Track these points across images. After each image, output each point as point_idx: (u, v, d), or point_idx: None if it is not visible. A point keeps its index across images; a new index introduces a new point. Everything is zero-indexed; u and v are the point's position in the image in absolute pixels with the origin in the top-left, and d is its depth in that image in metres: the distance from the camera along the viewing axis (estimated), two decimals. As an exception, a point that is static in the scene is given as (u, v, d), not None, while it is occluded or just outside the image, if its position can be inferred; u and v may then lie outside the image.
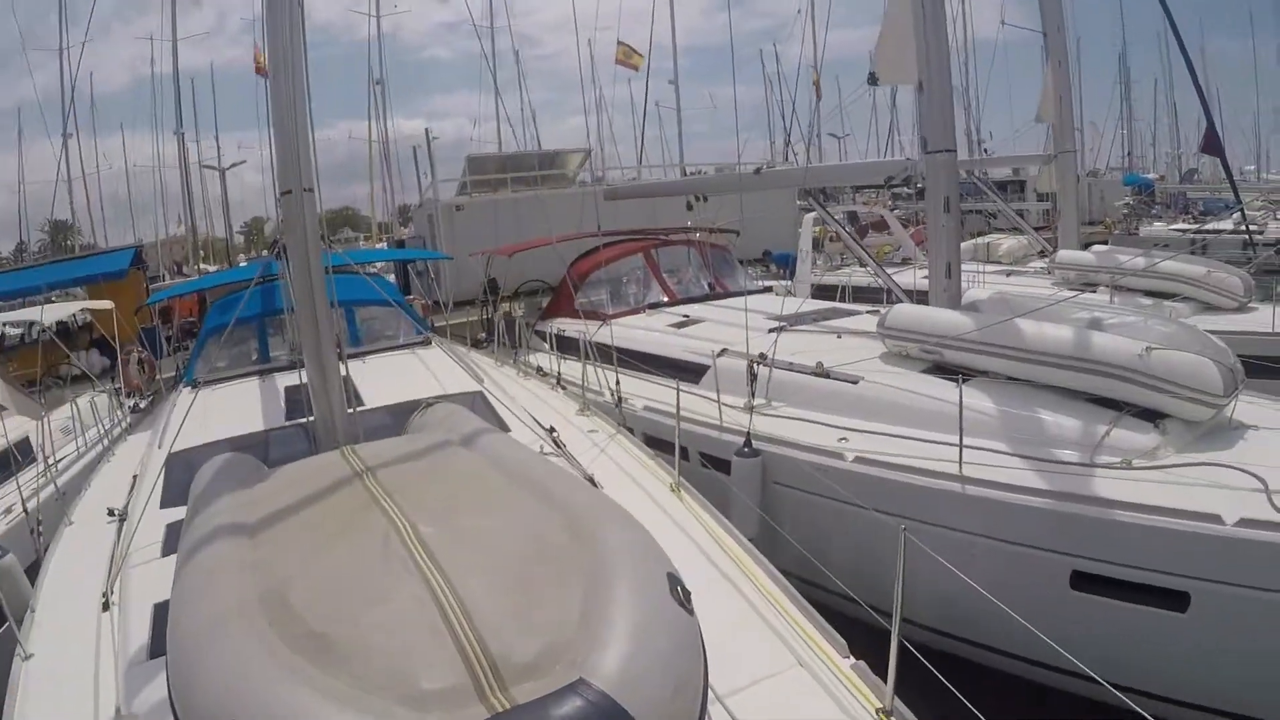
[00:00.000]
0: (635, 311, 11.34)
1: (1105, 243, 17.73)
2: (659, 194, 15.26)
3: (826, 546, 5.78)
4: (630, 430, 7.60)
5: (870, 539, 5.50)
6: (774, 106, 37.95)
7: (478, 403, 6.29)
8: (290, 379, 7.86)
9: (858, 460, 5.86)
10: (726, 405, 7.06)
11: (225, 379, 8.40)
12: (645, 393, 8.39)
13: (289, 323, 8.78)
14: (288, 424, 6.42)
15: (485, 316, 15.69)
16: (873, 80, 8.36)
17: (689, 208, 12.23)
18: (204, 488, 4.00)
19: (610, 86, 35.01)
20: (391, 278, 20.96)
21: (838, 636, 3.58)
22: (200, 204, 45.35)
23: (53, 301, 19.11)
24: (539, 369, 10.26)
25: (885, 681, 3.18)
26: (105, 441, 8.18)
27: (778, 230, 19.66)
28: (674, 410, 7.32)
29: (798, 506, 6.22)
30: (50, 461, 8.59)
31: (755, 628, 3.67)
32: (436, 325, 13.75)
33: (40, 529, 6.46)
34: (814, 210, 11.52)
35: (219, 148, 45.26)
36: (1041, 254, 14.79)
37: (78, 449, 9.32)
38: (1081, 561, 4.98)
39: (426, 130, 28.32)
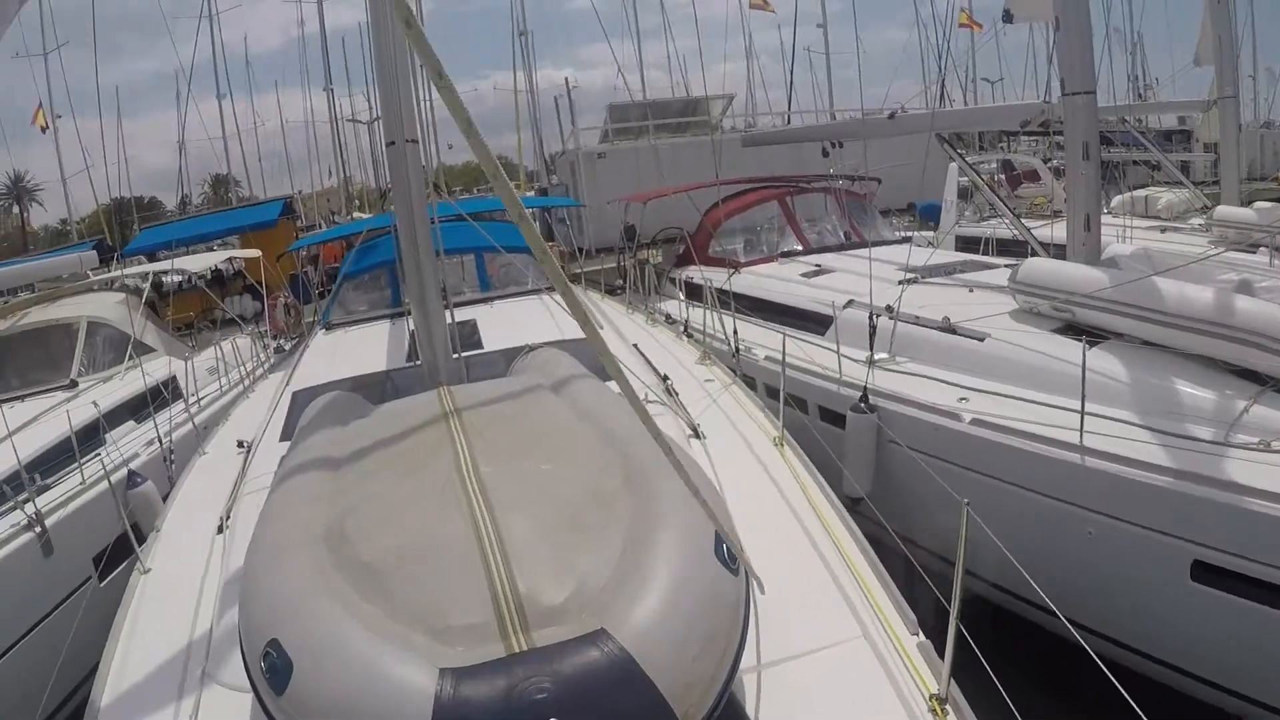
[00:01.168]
0: (768, 260, 11.24)
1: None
2: (791, 140, 14.99)
3: (935, 510, 5.58)
4: (750, 380, 7.53)
5: (981, 506, 5.31)
6: (926, 50, 36.68)
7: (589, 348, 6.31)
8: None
9: (974, 422, 5.57)
10: (849, 359, 6.87)
11: (357, 322, 8.71)
12: (773, 343, 8.25)
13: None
14: (405, 366, 6.60)
15: (621, 263, 15.76)
16: (1007, 18, 7.95)
17: (824, 154, 11.93)
18: (306, 423, 4.21)
19: (760, 32, 34.44)
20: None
21: (909, 611, 3.34)
22: (355, 155, 46.93)
23: (212, 250, 20.05)
24: (667, 316, 10.25)
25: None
26: (246, 381, 8.57)
27: (929, 178, 18.77)
28: (795, 362, 7.26)
29: (910, 467, 5.82)
30: (192, 399, 9.18)
31: (826, 594, 3.48)
32: (574, 272, 13.90)
33: (172, 460, 6.88)
34: (954, 159, 11.12)
35: (370, 102, 46.69)
36: (1203, 210, 13.88)
37: (220, 388, 9.92)
38: (1205, 551, 4.51)
39: (566, 79, 28.46)
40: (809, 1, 39.16)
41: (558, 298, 8.74)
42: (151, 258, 20.75)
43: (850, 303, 8.02)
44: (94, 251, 13.56)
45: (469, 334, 7.19)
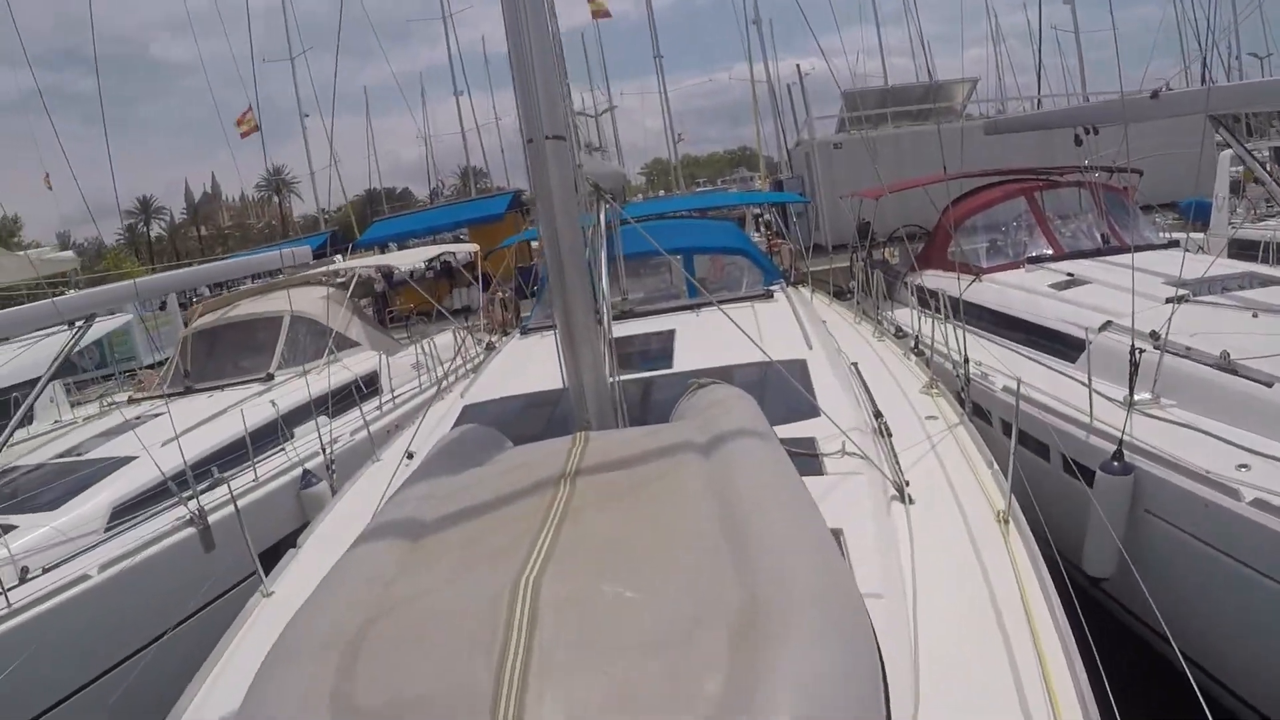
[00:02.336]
0: (1013, 266, 10.08)
1: None
2: (1040, 126, 13.57)
3: (1197, 607, 4.56)
4: (984, 413, 6.66)
5: (1259, 614, 4.28)
6: (1183, 25, 33.34)
7: (798, 373, 5.63)
8: (620, 328, 7.75)
9: (1257, 503, 4.31)
10: (1102, 396, 5.84)
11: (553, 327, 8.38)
12: (1014, 368, 7.32)
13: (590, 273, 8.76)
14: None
15: (853, 264, 14.89)
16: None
17: (1077, 142, 10.59)
18: (425, 462, 3.74)
19: (1005, 15, 32.35)
20: (750, 223, 20.32)
21: None
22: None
23: (437, 243, 20.51)
24: (897, 329, 9.40)
25: None
26: (444, 382, 8.45)
27: (1190, 171, 16.77)
28: (1037, 395, 6.32)
29: (1169, 547, 4.85)
30: (388, 398, 9.74)
31: None
32: (801, 272, 13.13)
33: (333, 466, 7.02)
34: (1233, 146, 9.66)
35: (609, 95, 47.20)
36: None
37: (419, 386, 10.01)
38: None
39: (798, 66, 27.45)
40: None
41: (776, 305, 8.11)
42: (383, 249, 21.50)
43: (1107, 324, 6.98)
44: (307, 247, 14.01)
45: (661, 347, 6.80)
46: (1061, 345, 7.39)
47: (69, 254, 20.21)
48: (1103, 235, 10.25)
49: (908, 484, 4.25)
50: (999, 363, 7.44)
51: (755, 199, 19.17)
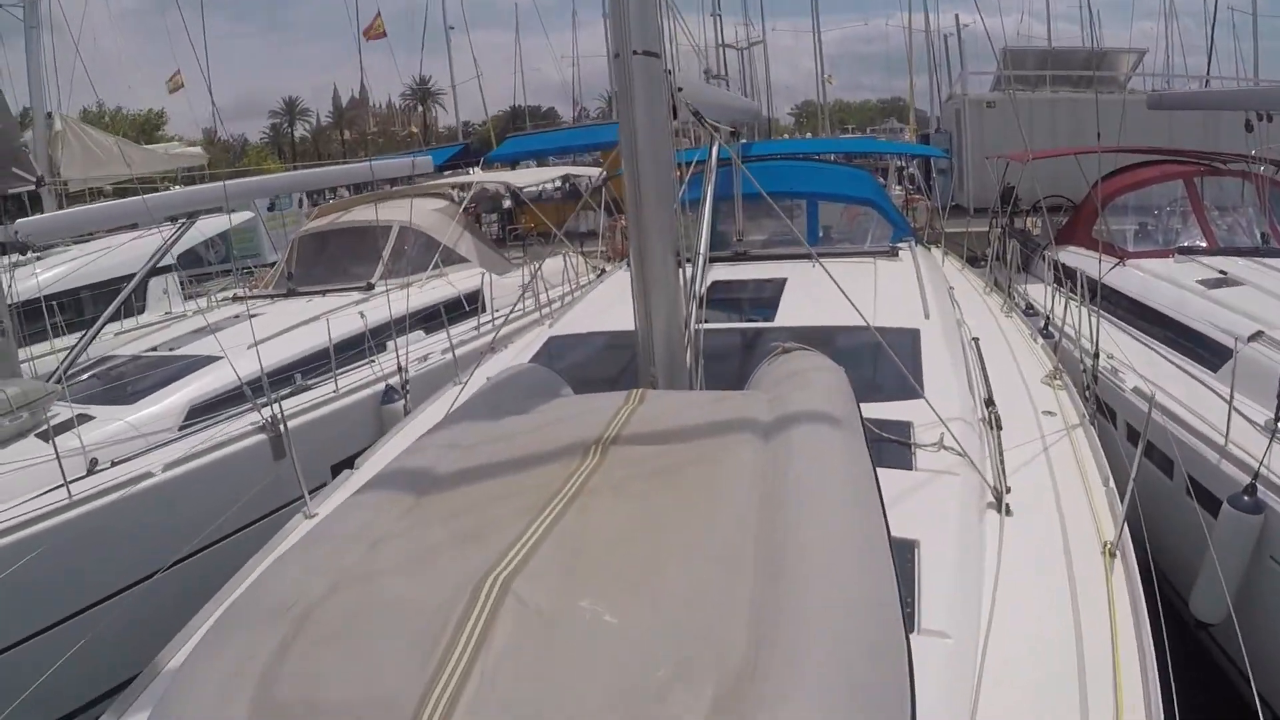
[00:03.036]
0: (1162, 253, 9.39)
1: None
2: (1209, 106, 12.62)
3: None
4: (1110, 412, 6.16)
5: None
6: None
7: (907, 344, 5.21)
8: (731, 270, 7.49)
9: None
10: (1242, 417, 5.26)
11: None
12: (1152, 367, 6.79)
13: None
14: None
15: (992, 229, 14.20)
16: None
17: (1248, 128, 9.73)
18: (461, 408, 3.52)
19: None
20: (893, 175, 19.51)
21: None
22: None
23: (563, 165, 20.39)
24: (1028, 306, 8.86)
25: None
26: (547, 308, 8.28)
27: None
28: (1171, 404, 5.82)
29: None
30: (486, 318, 9.46)
31: None
32: (938, 231, 12.53)
33: (408, 385, 7.10)
34: None
35: (763, 28, 46.07)
36: None
37: (524, 308, 9.73)
38: None
39: (956, 17, 26.23)
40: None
41: (900, 264, 7.65)
42: (513, 165, 21.44)
43: (1259, 335, 6.39)
44: (428, 158, 13.95)
45: (769, 296, 6.48)
46: (1204, 350, 6.83)
47: (197, 150, 20.69)
48: (1263, 234, 9.45)
49: (1008, 490, 3.80)
50: (1133, 359, 6.91)
51: (893, 148, 18.26)
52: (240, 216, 16.26)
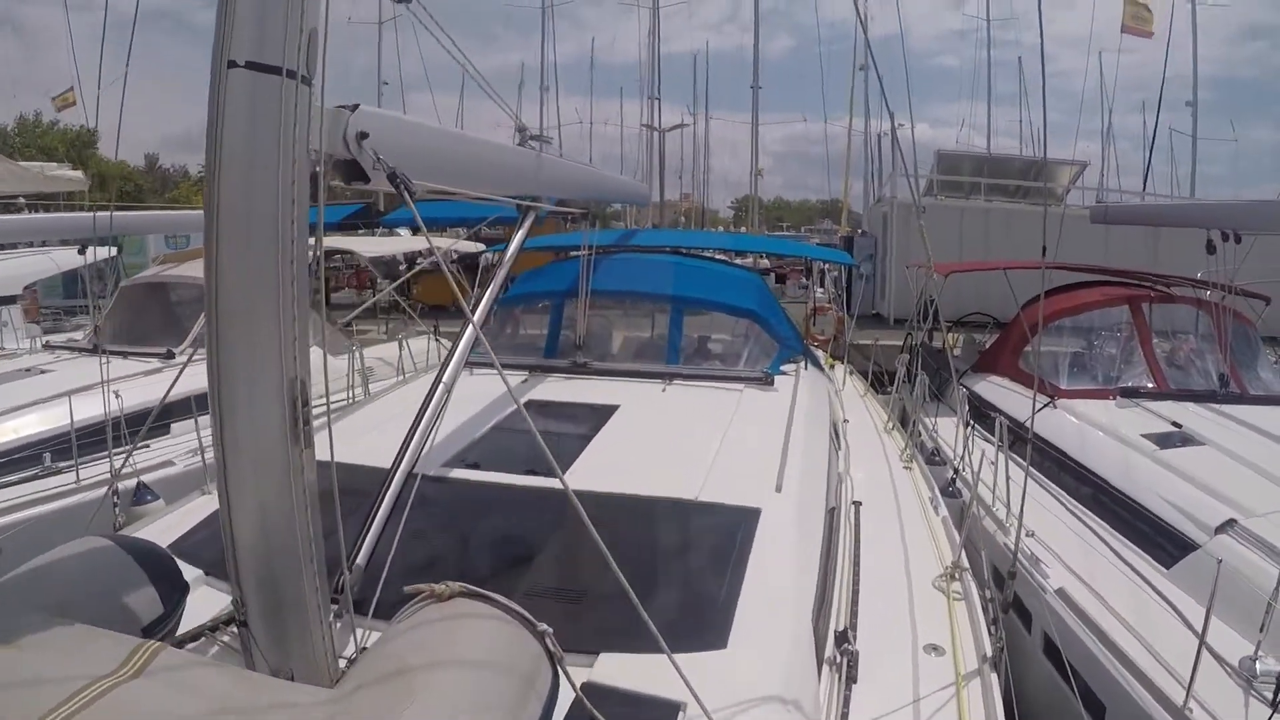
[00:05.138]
0: (1101, 393, 7.70)
1: None
2: (1167, 222, 11.17)
3: None
4: (1025, 617, 4.51)
5: None
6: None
7: (733, 534, 3.55)
8: (557, 388, 5.90)
9: None
10: (1214, 655, 3.68)
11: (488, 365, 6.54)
12: (1084, 554, 5.17)
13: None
14: None
15: (906, 346, 12.60)
16: None
17: (1210, 249, 8.12)
18: None
19: (1122, 114, 30.13)
20: (816, 277, 17.92)
21: None
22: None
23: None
24: (934, 453, 7.14)
25: None
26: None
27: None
28: (1117, 633, 4.19)
29: None
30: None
31: None
32: (845, 343, 10.83)
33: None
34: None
35: (706, 113, 45.64)
36: None
37: (349, 397, 8.29)
38: None
39: (892, 115, 25.23)
40: (1177, 88, 33.40)
41: (772, 398, 5.89)
42: (415, 231, 19.92)
43: (1229, 524, 4.73)
44: None
45: (584, 430, 4.81)
46: (1159, 538, 5.17)
47: (78, 174, 19.14)
48: (1221, 375, 7.78)
49: None
50: (1060, 539, 5.33)
51: (790, 250, 16.56)
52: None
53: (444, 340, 10.60)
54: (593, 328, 6.88)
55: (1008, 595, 3.86)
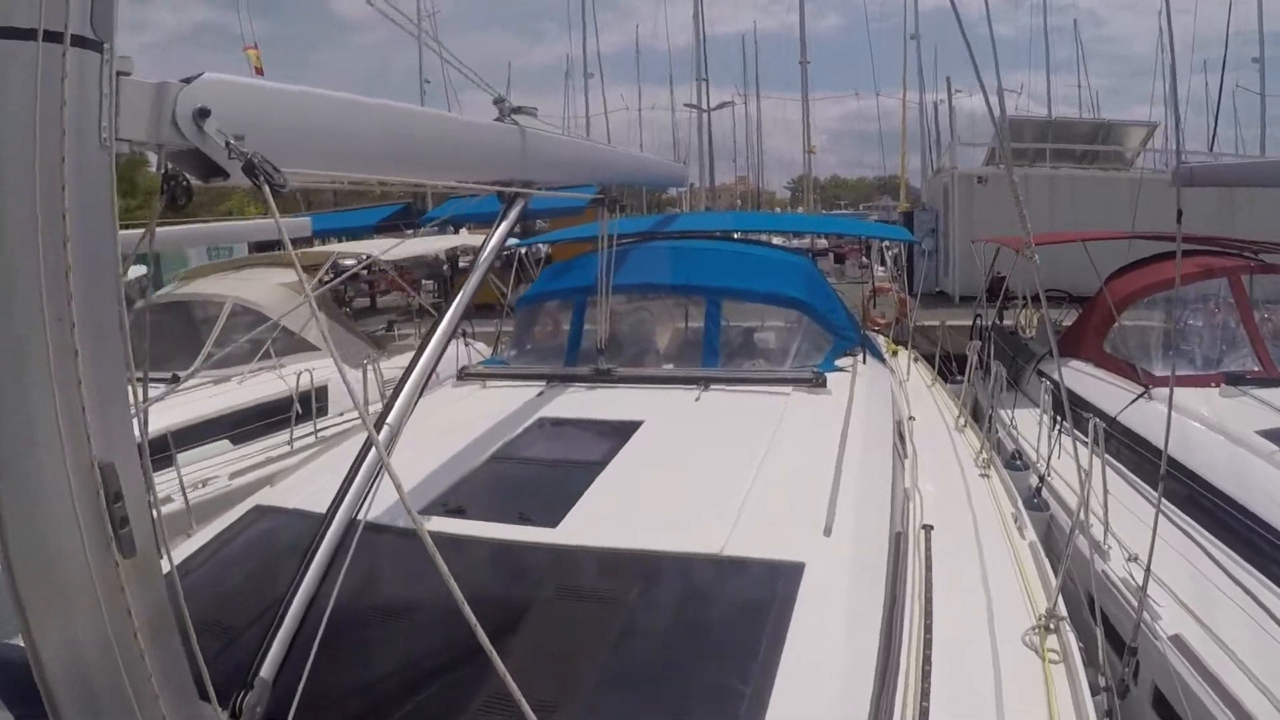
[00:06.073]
0: (1203, 380, 6.75)
1: None
2: (1262, 182, 10.14)
3: None
4: (1133, 665, 3.74)
5: None
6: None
7: (773, 598, 2.84)
8: (574, 402, 5.21)
9: None
10: None
11: (498, 376, 5.93)
12: (1197, 582, 4.37)
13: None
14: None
15: (976, 328, 11.70)
16: None
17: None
18: None
19: (1186, 74, 28.45)
20: (876, 256, 16.93)
21: None
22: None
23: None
24: (1014, 455, 6.32)
25: None
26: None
27: None
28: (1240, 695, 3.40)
29: None
30: (327, 424, 8.19)
31: None
32: (911, 325, 9.94)
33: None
34: None
35: (757, 93, 44.74)
36: None
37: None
38: None
39: (948, 79, 24.10)
40: (1244, 43, 31.60)
41: (824, 403, 5.11)
42: (456, 229, 19.23)
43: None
44: (307, 220, 11.87)
45: (598, 457, 4.08)
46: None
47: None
48: (1341, 356, 6.84)
49: None
50: (1170, 563, 4.50)
51: (845, 228, 15.08)
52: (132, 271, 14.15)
53: (476, 344, 9.85)
54: (618, 329, 6.18)
55: (1125, 675, 3.09)
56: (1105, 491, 4.70)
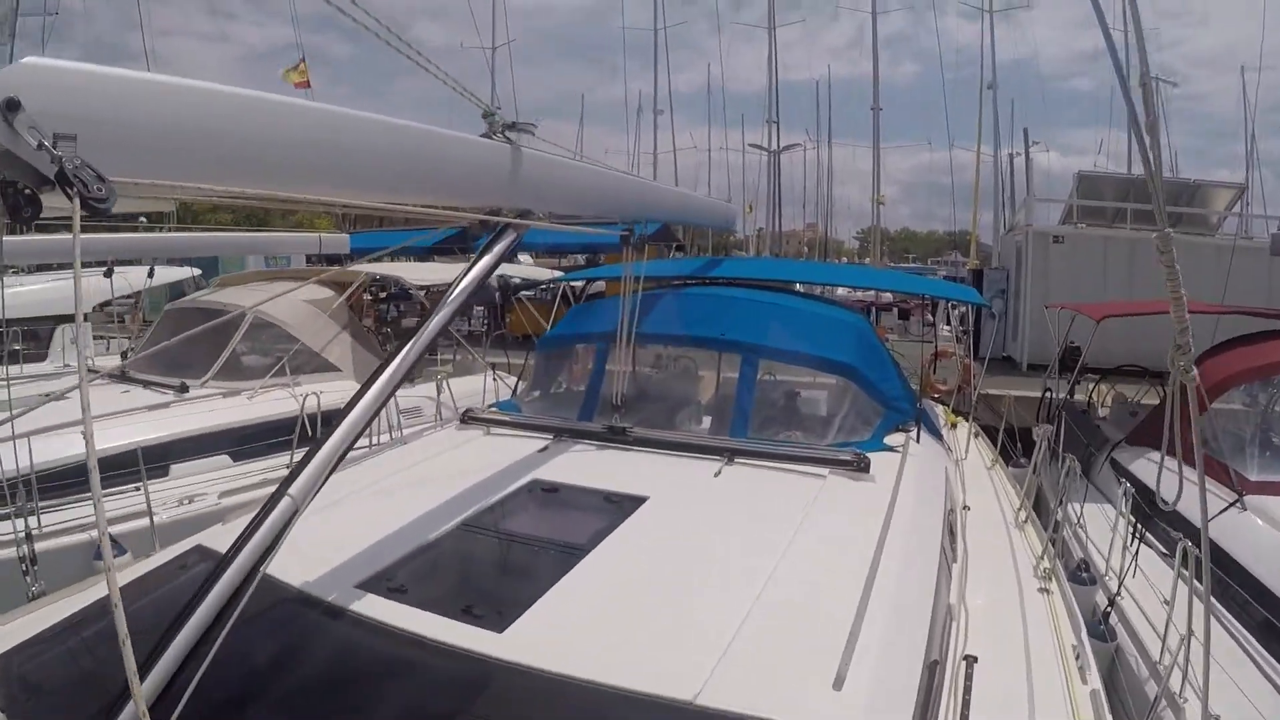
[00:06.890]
0: (1310, 488, 5.73)
1: None
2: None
3: None
4: None
5: None
6: None
7: None
8: (577, 463, 4.58)
9: None
10: None
11: (504, 423, 5.35)
12: None
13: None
14: None
15: (1046, 400, 10.77)
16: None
17: None
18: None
19: (1266, 138, 27.28)
20: (942, 314, 15.89)
21: None
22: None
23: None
24: (1081, 566, 5.43)
25: None
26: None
27: None
28: None
29: None
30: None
31: None
32: (973, 396, 9.01)
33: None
34: None
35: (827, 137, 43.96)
36: None
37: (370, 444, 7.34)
38: None
39: (1025, 131, 23.21)
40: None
41: (865, 492, 4.30)
42: (513, 256, 18.67)
43: None
44: (345, 237, 11.99)
45: (584, 541, 3.40)
46: None
47: None
48: None
49: None
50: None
51: (911, 286, 14.20)
52: (178, 273, 14.55)
53: (505, 378, 9.41)
54: (640, 382, 5.48)
55: None
56: (1206, 645, 3.70)
